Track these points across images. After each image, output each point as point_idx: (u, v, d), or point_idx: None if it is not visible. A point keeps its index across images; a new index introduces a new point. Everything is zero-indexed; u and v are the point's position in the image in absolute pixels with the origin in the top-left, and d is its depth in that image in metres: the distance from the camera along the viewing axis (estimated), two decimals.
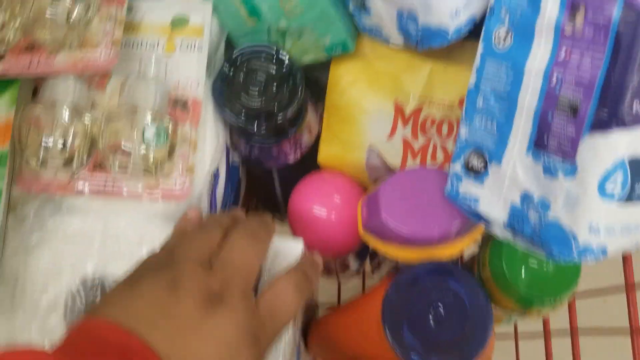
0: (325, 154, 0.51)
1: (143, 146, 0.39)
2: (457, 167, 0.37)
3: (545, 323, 0.55)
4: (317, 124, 0.52)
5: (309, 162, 0.54)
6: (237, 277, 0.31)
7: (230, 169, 0.50)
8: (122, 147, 0.40)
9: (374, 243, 0.45)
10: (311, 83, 0.49)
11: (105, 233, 0.41)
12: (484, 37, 0.35)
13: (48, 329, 0.39)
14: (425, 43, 0.40)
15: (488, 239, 0.47)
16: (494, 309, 0.43)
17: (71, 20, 0.41)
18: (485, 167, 0.35)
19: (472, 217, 0.37)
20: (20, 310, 0.40)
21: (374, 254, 0.65)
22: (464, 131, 0.36)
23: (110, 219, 0.42)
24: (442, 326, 0.39)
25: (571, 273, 0.43)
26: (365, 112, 0.49)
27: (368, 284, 0.71)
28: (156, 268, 0.31)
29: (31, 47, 0.42)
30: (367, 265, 0.69)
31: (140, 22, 0.45)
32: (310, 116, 0.50)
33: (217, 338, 0.28)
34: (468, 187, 0.36)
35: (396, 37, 0.43)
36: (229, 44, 0.49)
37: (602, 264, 0.34)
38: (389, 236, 0.43)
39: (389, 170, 0.50)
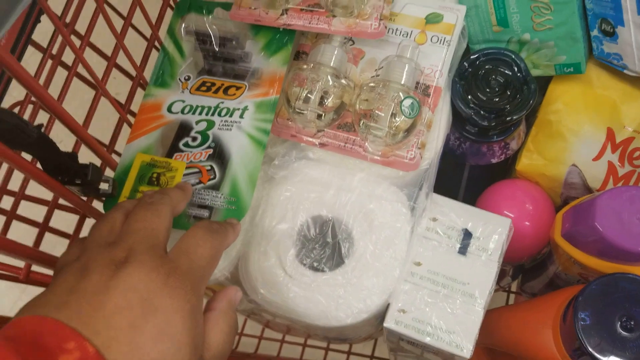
0: (525, 164, 0.52)
1: (398, 116, 0.42)
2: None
3: None
4: (524, 133, 0.53)
5: (502, 167, 0.55)
6: (139, 241, 0.30)
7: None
8: (375, 113, 0.43)
9: (571, 250, 0.46)
10: None
11: (340, 184, 0.44)
12: None
13: (280, 250, 0.43)
14: None
15: None
16: None
17: None
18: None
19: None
20: (258, 232, 0.44)
21: (528, 272, 0.65)
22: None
23: (347, 173, 0.45)
24: (630, 336, 0.39)
25: None
26: (575, 133, 0.50)
27: (510, 300, 0.71)
28: (70, 263, 0.30)
29: (312, 8, 0.46)
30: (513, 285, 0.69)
31: (399, 13, 0.49)
32: (521, 126, 0.52)
33: (126, 291, 0.27)
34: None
35: (636, 66, 0.44)
36: (467, 47, 0.51)
37: None
38: (591, 245, 0.43)
39: (587, 190, 0.51)
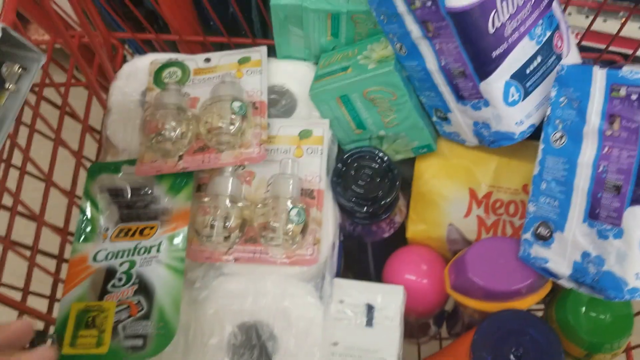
0: (412, 231, 0.61)
1: (289, 224, 0.50)
2: (527, 235, 0.46)
3: None
4: (405, 207, 0.62)
5: (397, 238, 0.64)
6: None
7: (339, 244, 0.60)
8: (271, 225, 0.51)
9: (461, 299, 0.53)
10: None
11: (256, 290, 0.51)
12: (544, 139, 0.45)
13: None
14: (496, 144, 0.51)
15: (553, 298, 0.55)
16: None
17: (233, 130, 0.53)
18: (551, 235, 0.44)
19: (542, 273, 0.45)
20: (193, 351, 0.50)
21: (450, 318, 0.72)
22: (532, 208, 0.46)
23: (259, 279, 0.52)
24: None
25: (626, 322, 0.50)
26: (445, 198, 0.59)
27: (444, 345, 0.77)
28: None
29: (202, 149, 0.54)
30: (443, 331, 0.76)
31: (276, 135, 0.57)
32: (400, 201, 0.61)
33: None
34: (538, 251, 0.45)
35: (472, 139, 0.54)
36: (339, 149, 0.60)
37: None
38: (473, 292, 0.51)
39: (467, 242, 0.59)
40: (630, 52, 0.71)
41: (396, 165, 0.56)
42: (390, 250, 0.63)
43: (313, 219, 0.53)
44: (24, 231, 0.54)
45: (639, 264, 0.38)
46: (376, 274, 0.66)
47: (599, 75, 0.41)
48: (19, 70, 0.36)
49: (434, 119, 0.56)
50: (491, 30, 0.42)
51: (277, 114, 0.60)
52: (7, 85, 0.35)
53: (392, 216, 0.60)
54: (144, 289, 0.49)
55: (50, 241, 0.58)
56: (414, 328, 0.72)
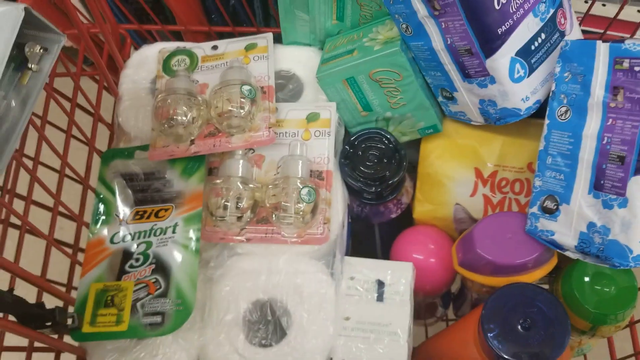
0: (419, 211, 0.62)
1: (299, 203, 0.51)
2: (534, 209, 0.47)
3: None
4: (411, 188, 0.63)
5: (404, 219, 0.65)
6: None
7: (348, 225, 0.61)
8: (282, 204, 0.52)
9: (469, 275, 0.54)
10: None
11: (269, 269, 0.52)
12: (549, 114, 0.46)
13: (232, 338, 0.50)
14: (502, 121, 0.52)
15: (558, 274, 0.56)
16: None
17: (242, 113, 0.54)
18: (557, 207, 0.45)
19: (549, 246, 0.46)
20: (210, 327, 0.51)
21: (456, 299, 0.73)
22: (538, 183, 0.47)
23: (272, 258, 0.53)
24: (529, 333, 0.47)
25: (630, 294, 0.51)
26: (451, 178, 0.60)
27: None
28: None
29: (213, 134, 0.55)
30: (450, 313, 0.77)
31: (284, 118, 0.58)
32: (407, 182, 0.62)
33: None
34: (544, 223, 0.46)
35: (478, 118, 0.55)
36: (346, 131, 0.61)
37: None
38: (481, 267, 0.52)
39: (473, 221, 0.60)
40: (628, 36, 0.72)
41: (403, 146, 0.57)
42: (398, 231, 0.64)
43: (323, 199, 0.54)
44: (39, 221, 0.55)
45: None
46: (383, 255, 0.67)
47: (602, 49, 0.42)
48: (41, 51, 0.37)
49: (440, 99, 0.57)
50: (497, 6, 0.43)
51: (285, 99, 0.61)
52: (30, 65, 0.37)
53: (399, 197, 0.61)
54: (161, 268, 0.50)
55: (65, 231, 0.59)
56: (422, 308, 0.73)
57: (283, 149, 0.57)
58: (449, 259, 0.59)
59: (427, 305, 0.73)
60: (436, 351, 0.60)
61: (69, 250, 0.55)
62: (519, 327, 0.48)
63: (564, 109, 0.45)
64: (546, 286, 0.62)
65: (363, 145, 0.57)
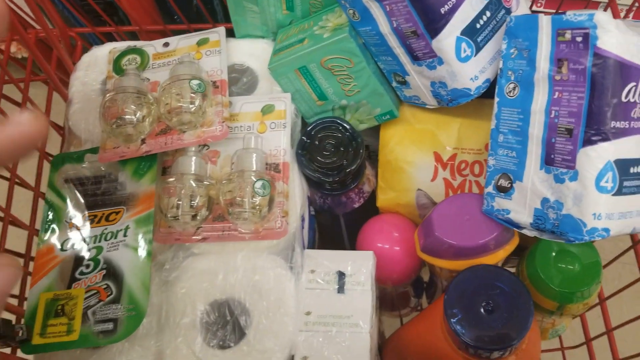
0: (382, 199, 0.60)
1: (254, 197, 0.50)
2: (489, 189, 0.46)
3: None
4: (373, 177, 0.61)
5: (368, 208, 0.63)
6: None
7: (310, 218, 0.59)
8: (237, 200, 0.50)
9: (431, 260, 0.53)
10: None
11: (226, 267, 0.50)
12: (498, 92, 0.45)
13: (189, 341, 0.48)
14: (454, 102, 0.50)
15: (522, 257, 0.55)
16: (535, 314, 0.49)
17: (193, 109, 0.53)
18: (511, 185, 0.44)
19: (506, 225, 0.45)
20: (167, 331, 0.49)
21: (428, 288, 0.72)
22: (492, 162, 0.46)
23: (229, 256, 0.51)
24: (493, 316, 0.46)
25: (593, 270, 0.50)
26: (411, 164, 0.59)
27: None
28: None
29: (164, 132, 0.54)
30: (424, 302, 0.76)
31: (239, 112, 0.57)
32: (368, 170, 0.60)
33: None
34: (500, 202, 0.45)
35: (431, 101, 0.54)
36: (303, 121, 0.60)
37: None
38: (443, 252, 0.51)
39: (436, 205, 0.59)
40: None
41: (359, 134, 0.56)
42: (362, 220, 0.62)
43: (280, 192, 0.53)
44: None
45: (594, 204, 0.38)
46: (351, 246, 0.65)
47: (545, 22, 0.41)
48: None
49: (394, 84, 0.56)
50: None
51: (239, 92, 0.59)
52: None
53: (361, 186, 0.59)
54: (112, 273, 0.48)
55: (23, 240, 0.57)
56: (394, 299, 0.72)
57: (238, 144, 0.55)
58: (413, 246, 0.58)
59: (399, 295, 0.72)
60: (406, 340, 0.59)
61: (21, 261, 0.53)
62: (482, 310, 0.47)
63: (512, 85, 0.43)
64: (514, 269, 0.61)
65: (319, 135, 0.56)
